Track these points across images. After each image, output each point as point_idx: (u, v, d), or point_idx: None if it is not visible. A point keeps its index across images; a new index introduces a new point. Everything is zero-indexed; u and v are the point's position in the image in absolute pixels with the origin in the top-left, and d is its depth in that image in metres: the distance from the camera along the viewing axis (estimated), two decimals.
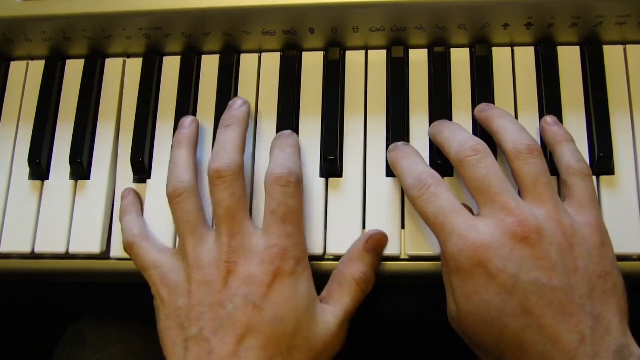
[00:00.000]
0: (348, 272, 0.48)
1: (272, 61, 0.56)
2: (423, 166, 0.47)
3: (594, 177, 0.51)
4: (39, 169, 0.55)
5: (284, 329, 0.44)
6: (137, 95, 0.56)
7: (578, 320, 0.40)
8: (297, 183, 0.47)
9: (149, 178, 0.54)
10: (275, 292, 0.44)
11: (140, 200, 0.53)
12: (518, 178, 0.45)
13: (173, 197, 0.48)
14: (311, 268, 0.47)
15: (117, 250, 0.53)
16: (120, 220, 0.52)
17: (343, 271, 0.48)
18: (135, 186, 0.54)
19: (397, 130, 0.52)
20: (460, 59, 0.55)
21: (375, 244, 0.49)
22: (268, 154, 0.53)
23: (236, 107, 0.52)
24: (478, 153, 0.45)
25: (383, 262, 0.50)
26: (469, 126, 0.53)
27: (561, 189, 0.48)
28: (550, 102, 0.52)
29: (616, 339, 0.40)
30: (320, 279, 0.51)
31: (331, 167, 0.52)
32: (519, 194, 0.45)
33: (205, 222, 0.48)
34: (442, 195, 0.45)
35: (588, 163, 0.49)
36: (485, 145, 0.46)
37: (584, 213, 0.45)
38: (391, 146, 0.51)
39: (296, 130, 0.54)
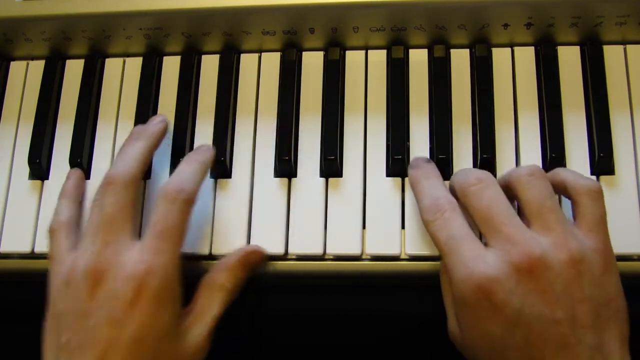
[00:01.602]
0: (219, 279, 0.48)
1: (272, 61, 0.56)
2: (441, 190, 0.47)
3: (594, 177, 0.51)
4: (39, 169, 0.55)
5: (145, 348, 0.43)
6: (137, 95, 0.56)
7: (579, 352, 0.40)
8: (184, 201, 0.46)
9: (149, 178, 0.54)
10: (136, 312, 0.43)
11: (83, 186, 0.53)
12: (523, 204, 0.45)
13: (95, 199, 0.48)
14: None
15: None
16: (58, 200, 0.51)
17: (215, 277, 0.48)
18: None
19: (397, 130, 0.52)
20: (460, 59, 0.55)
21: (253, 259, 0.50)
22: (268, 154, 0.53)
23: (152, 123, 0.52)
24: (482, 181, 0.45)
25: (383, 262, 0.50)
26: (469, 126, 0.53)
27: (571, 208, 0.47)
28: (550, 102, 0.52)
29: None
30: (320, 279, 0.52)
31: (331, 167, 0.52)
32: (526, 221, 0.44)
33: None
34: (455, 221, 0.44)
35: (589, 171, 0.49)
36: (490, 175, 0.45)
37: (593, 237, 0.44)
38: (412, 161, 0.50)
39: (296, 130, 0.54)
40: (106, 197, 0.46)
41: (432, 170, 0.49)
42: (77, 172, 0.53)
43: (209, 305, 0.47)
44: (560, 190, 0.46)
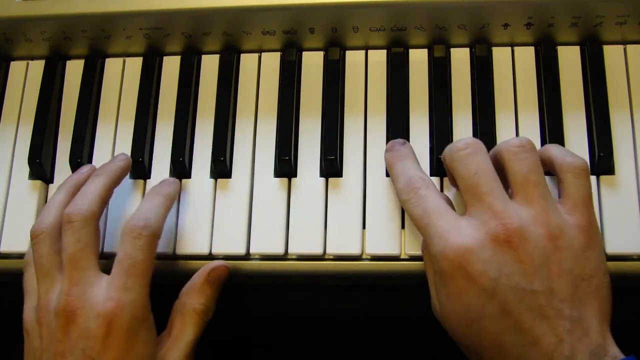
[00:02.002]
0: (189, 303, 0.49)
1: (272, 61, 0.56)
2: (415, 170, 0.48)
3: (594, 177, 0.51)
4: (39, 169, 0.55)
5: None
6: (137, 95, 0.56)
7: (557, 323, 0.41)
8: (150, 236, 0.46)
9: (149, 178, 0.54)
10: (110, 348, 0.44)
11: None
12: (509, 176, 0.45)
13: (32, 238, 0.48)
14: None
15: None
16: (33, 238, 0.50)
17: (185, 302, 0.49)
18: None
19: (397, 130, 0.52)
20: (460, 59, 0.55)
21: (217, 276, 0.50)
22: (268, 154, 0.53)
23: (116, 160, 0.52)
24: (469, 146, 0.45)
25: (383, 262, 0.50)
26: (469, 126, 0.53)
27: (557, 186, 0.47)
28: (550, 102, 0.52)
29: (594, 340, 0.41)
30: (320, 279, 0.52)
31: (331, 167, 0.52)
32: (511, 193, 0.45)
33: (58, 269, 0.47)
34: (429, 197, 0.45)
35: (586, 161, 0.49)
36: (479, 142, 0.45)
37: (576, 213, 0.44)
38: (388, 144, 0.51)
39: (296, 130, 0.54)
40: (67, 237, 0.46)
41: (407, 152, 0.50)
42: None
43: (183, 330, 0.48)
44: (548, 166, 0.47)
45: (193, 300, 0.49)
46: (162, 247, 0.50)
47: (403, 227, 0.51)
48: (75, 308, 0.45)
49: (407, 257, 0.50)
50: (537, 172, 0.44)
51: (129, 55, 0.58)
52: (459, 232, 0.42)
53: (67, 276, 0.46)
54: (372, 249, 0.50)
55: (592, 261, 0.43)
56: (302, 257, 0.51)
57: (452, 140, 0.52)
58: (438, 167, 0.51)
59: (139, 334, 0.45)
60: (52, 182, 0.55)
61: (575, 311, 0.41)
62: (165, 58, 0.58)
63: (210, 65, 0.57)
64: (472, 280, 0.41)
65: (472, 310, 0.42)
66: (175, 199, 0.51)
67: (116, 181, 0.51)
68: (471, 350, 0.44)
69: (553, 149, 0.47)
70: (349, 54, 0.56)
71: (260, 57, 0.57)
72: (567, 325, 0.41)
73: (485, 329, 0.42)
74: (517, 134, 0.52)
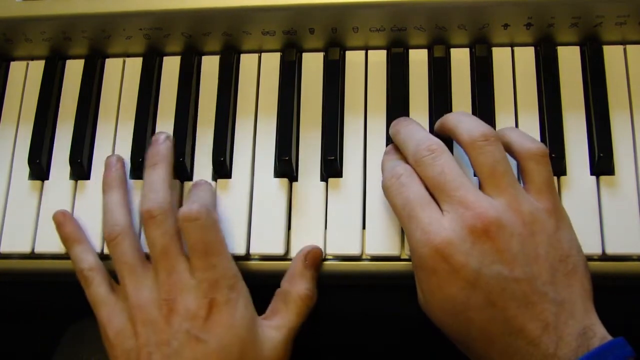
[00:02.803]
0: (293, 290, 0.49)
1: (272, 61, 0.56)
2: (399, 160, 0.48)
3: (594, 177, 0.51)
4: (39, 169, 0.55)
5: (230, 355, 0.45)
6: (137, 95, 0.56)
7: (542, 308, 0.41)
8: (207, 216, 0.47)
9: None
10: (214, 323, 0.45)
11: (80, 225, 0.53)
12: (476, 168, 0.45)
13: (109, 240, 0.49)
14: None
15: None
16: (69, 248, 0.52)
17: (288, 289, 0.49)
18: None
19: None
20: (460, 59, 0.55)
21: (314, 259, 0.50)
22: (268, 154, 0.53)
23: (160, 142, 0.52)
24: (433, 152, 0.45)
25: (383, 263, 0.50)
26: None
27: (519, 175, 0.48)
28: (550, 102, 0.52)
29: (580, 321, 0.41)
30: (320, 279, 0.52)
31: (331, 167, 0.52)
32: (479, 184, 0.45)
33: (143, 261, 0.49)
34: (410, 186, 0.45)
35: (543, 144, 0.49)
36: (441, 143, 0.46)
37: (542, 198, 0.45)
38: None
39: (296, 130, 0.54)
40: (153, 231, 0.48)
41: (393, 145, 0.50)
42: (67, 214, 0.53)
43: (287, 317, 0.49)
44: (508, 151, 0.47)
45: (297, 287, 0.49)
46: None
47: None
48: (174, 295, 0.46)
49: (407, 257, 0.50)
50: (503, 162, 0.45)
51: (129, 55, 0.58)
52: (438, 225, 0.43)
53: (162, 268, 0.47)
54: (372, 249, 0.50)
55: (564, 242, 0.43)
56: None
57: (452, 141, 0.52)
58: None
59: (238, 304, 0.46)
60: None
61: (557, 294, 0.42)
62: (165, 58, 0.58)
63: (210, 65, 0.57)
64: (455, 273, 0.42)
65: (457, 302, 0.42)
66: (215, 195, 0.53)
67: (172, 164, 0.52)
68: (460, 342, 0.44)
69: (510, 135, 0.47)
70: (349, 54, 0.56)
71: (260, 57, 0.57)
72: (553, 309, 0.41)
73: (471, 320, 0.42)
74: None
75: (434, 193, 0.45)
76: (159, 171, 0.50)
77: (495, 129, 0.52)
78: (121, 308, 0.48)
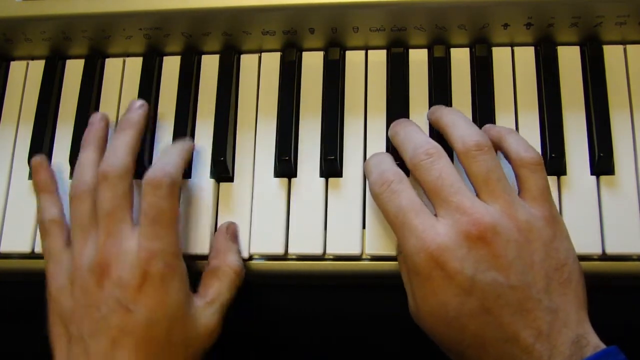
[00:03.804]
0: (224, 264, 0.49)
1: (272, 61, 0.56)
2: (388, 164, 0.48)
3: (594, 177, 0.51)
4: None
5: (157, 330, 0.44)
6: (137, 95, 0.56)
7: (535, 316, 0.41)
8: (170, 186, 0.46)
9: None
10: (145, 295, 0.44)
11: (53, 174, 0.53)
12: (470, 176, 0.45)
13: (72, 197, 0.49)
14: (187, 266, 0.47)
15: None
16: (37, 196, 0.52)
17: (218, 264, 0.49)
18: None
19: None
20: (460, 59, 0.55)
21: (233, 233, 0.51)
22: (268, 154, 0.53)
23: (134, 109, 0.52)
24: (431, 156, 0.45)
25: (382, 262, 0.50)
26: None
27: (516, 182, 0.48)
28: (550, 102, 0.52)
29: (573, 330, 0.41)
30: (320, 279, 0.52)
31: (331, 167, 0.52)
32: (475, 192, 0.45)
33: (95, 227, 0.48)
34: (402, 193, 0.45)
35: (540, 151, 0.49)
36: (439, 147, 0.46)
37: (538, 206, 0.45)
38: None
39: (296, 130, 0.54)
40: (103, 192, 0.47)
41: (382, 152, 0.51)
42: (44, 161, 0.53)
43: (220, 291, 0.48)
44: (504, 155, 0.47)
45: (228, 260, 0.49)
46: None
47: None
48: (110, 261, 0.45)
49: None
50: (497, 170, 0.45)
51: (129, 55, 0.58)
52: (433, 231, 0.43)
53: (103, 230, 0.46)
54: (372, 249, 0.50)
55: (560, 251, 0.43)
56: (302, 257, 0.51)
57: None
58: None
59: (172, 281, 0.45)
60: None
61: (552, 302, 0.42)
62: (165, 58, 0.58)
63: (210, 65, 0.57)
64: (450, 279, 0.42)
65: (451, 309, 0.42)
66: (191, 155, 0.52)
67: (142, 132, 0.52)
68: (453, 350, 0.44)
69: (509, 139, 0.47)
70: (349, 54, 0.56)
71: (260, 57, 0.57)
72: (546, 317, 0.41)
73: (465, 327, 0.42)
74: None
75: (430, 197, 0.45)
76: (124, 136, 0.50)
77: None
78: (67, 266, 0.48)
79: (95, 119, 0.53)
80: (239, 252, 0.50)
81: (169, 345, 0.45)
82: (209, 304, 0.47)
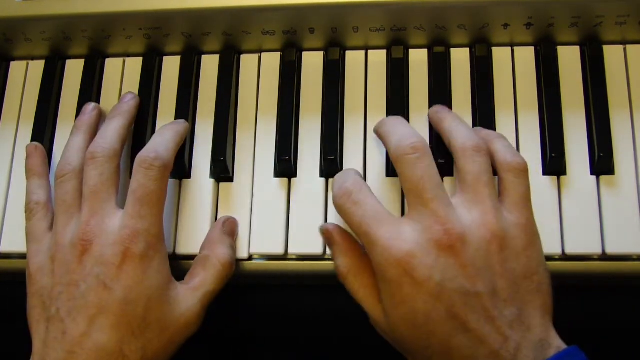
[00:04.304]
0: (213, 254, 0.49)
1: (272, 61, 0.56)
2: (348, 176, 0.47)
3: (594, 177, 0.51)
4: None
5: (134, 310, 0.44)
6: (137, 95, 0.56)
7: (500, 322, 0.41)
8: (161, 167, 0.47)
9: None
10: (125, 274, 0.44)
11: (47, 161, 0.54)
12: (461, 174, 0.45)
13: (57, 177, 0.49)
14: (166, 251, 0.47)
15: None
16: (27, 179, 0.53)
17: (207, 254, 0.49)
18: None
19: None
20: (460, 59, 0.55)
21: (231, 227, 0.51)
22: (268, 154, 0.53)
23: (125, 101, 0.54)
24: (417, 152, 0.45)
25: None
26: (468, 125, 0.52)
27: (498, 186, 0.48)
28: (550, 102, 0.52)
29: (537, 334, 0.42)
30: (320, 279, 0.52)
31: (331, 167, 0.52)
32: (458, 189, 0.45)
33: (79, 206, 0.48)
34: (364, 204, 0.45)
35: (538, 160, 0.50)
36: (426, 143, 0.45)
37: (516, 212, 0.45)
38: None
39: (296, 130, 0.54)
40: (90, 171, 0.48)
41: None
42: (39, 147, 0.54)
43: (205, 280, 0.48)
44: (490, 157, 0.47)
45: (217, 251, 0.49)
46: None
47: None
48: (92, 237, 0.45)
49: None
50: (488, 174, 0.45)
51: (129, 55, 0.58)
52: (401, 239, 0.43)
53: (87, 208, 0.47)
54: None
55: (533, 259, 0.44)
56: (302, 257, 0.51)
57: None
58: (440, 168, 0.51)
59: (152, 262, 0.45)
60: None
61: (517, 309, 0.42)
62: (165, 58, 0.58)
63: (210, 65, 0.57)
64: (418, 286, 0.42)
65: (420, 315, 0.42)
66: (184, 137, 0.52)
67: (131, 121, 0.53)
68: (419, 356, 0.44)
69: (497, 144, 0.48)
70: (349, 54, 0.56)
71: (260, 57, 0.57)
72: (512, 324, 0.42)
73: (433, 333, 0.42)
74: (517, 134, 0.52)
75: (407, 194, 0.45)
76: (114, 123, 0.51)
77: (495, 129, 0.52)
78: (48, 246, 0.48)
79: (87, 109, 0.54)
80: (231, 246, 0.50)
81: (145, 326, 0.45)
82: (191, 291, 0.47)
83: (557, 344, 0.42)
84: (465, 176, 0.45)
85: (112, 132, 0.50)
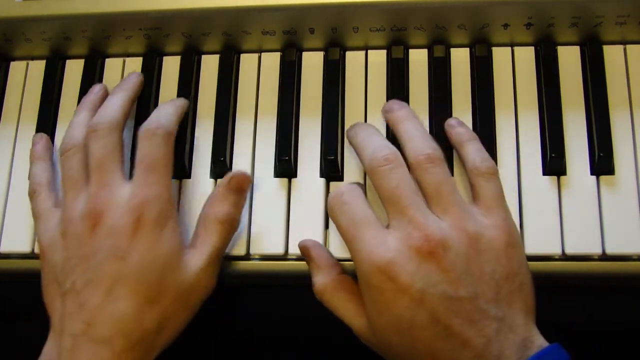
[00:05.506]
0: (210, 212, 0.49)
1: (272, 61, 0.56)
2: (348, 184, 0.48)
3: (594, 177, 0.51)
4: None
5: (149, 277, 0.44)
6: None
7: (483, 325, 0.42)
8: (164, 135, 0.48)
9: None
10: (137, 242, 0.45)
11: (52, 148, 0.54)
12: (421, 186, 0.46)
13: (62, 153, 0.50)
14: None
15: None
16: (31, 164, 0.53)
17: (207, 213, 0.49)
18: None
19: None
20: (460, 59, 0.55)
21: (237, 183, 0.49)
22: (268, 154, 0.53)
23: (130, 77, 0.54)
24: (390, 163, 0.45)
25: None
26: (469, 126, 0.52)
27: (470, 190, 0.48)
28: (550, 102, 0.52)
29: (520, 334, 0.42)
30: None
31: (331, 167, 0.52)
32: (426, 201, 0.46)
33: (86, 180, 0.48)
34: (354, 205, 0.45)
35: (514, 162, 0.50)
36: (398, 154, 0.46)
37: (492, 214, 0.45)
38: None
39: (296, 130, 0.54)
40: (93, 144, 0.48)
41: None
42: (45, 136, 0.54)
43: (207, 238, 0.48)
44: (461, 162, 0.48)
45: (216, 209, 0.49)
46: None
47: None
48: (103, 209, 0.45)
49: None
50: (447, 182, 0.46)
51: (129, 55, 0.58)
52: (384, 246, 0.43)
53: (95, 180, 0.47)
54: None
55: (514, 260, 0.44)
56: (302, 257, 0.51)
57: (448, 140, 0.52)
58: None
59: (165, 228, 0.46)
60: None
61: (500, 311, 0.42)
62: (165, 58, 0.58)
63: (210, 65, 0.57)
64: (401, 292, 0.42)
65: (404, 321, 0.43)
66: (185, 110, 0.53)
67: (134, 96, 0.53)
68: None
69: (468, 149, 0.49)
70: (349, 54, 0.56)
71: (260, 57, 0.57)
72: (494, 325, 0.42)
73: (417, 338, 0.43)
74: (517, 134, 0.52)
75: (385, 205, 0.45)
76: (116, 96, 0.51)
77: (495, 129, 0.52)
78: (57, 221, 0.48)
79: (94, 89, 0.54)
80: (234, 203, 0.49)
81: (161, 292, 0.45)
82: (196, 252, 0.47)
83: (540, 342, 0.42)
84: (427, 189, 0.46)
85: (114, 105, 0.50)
